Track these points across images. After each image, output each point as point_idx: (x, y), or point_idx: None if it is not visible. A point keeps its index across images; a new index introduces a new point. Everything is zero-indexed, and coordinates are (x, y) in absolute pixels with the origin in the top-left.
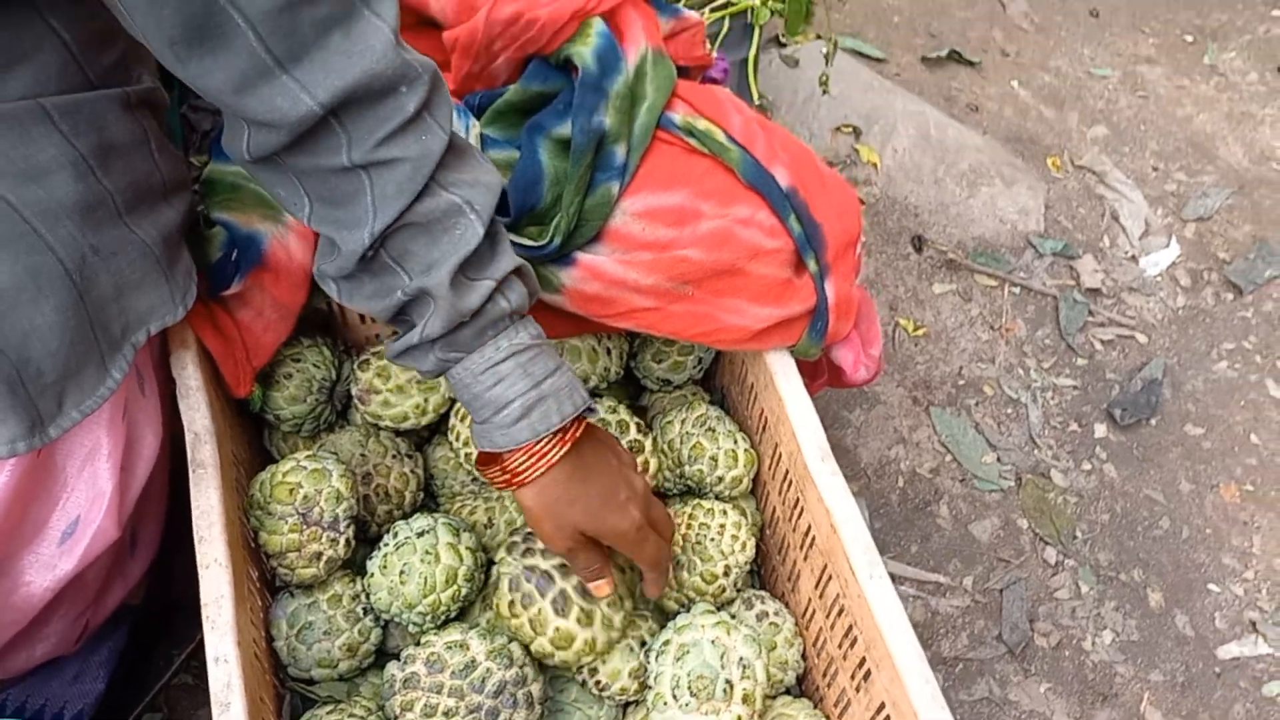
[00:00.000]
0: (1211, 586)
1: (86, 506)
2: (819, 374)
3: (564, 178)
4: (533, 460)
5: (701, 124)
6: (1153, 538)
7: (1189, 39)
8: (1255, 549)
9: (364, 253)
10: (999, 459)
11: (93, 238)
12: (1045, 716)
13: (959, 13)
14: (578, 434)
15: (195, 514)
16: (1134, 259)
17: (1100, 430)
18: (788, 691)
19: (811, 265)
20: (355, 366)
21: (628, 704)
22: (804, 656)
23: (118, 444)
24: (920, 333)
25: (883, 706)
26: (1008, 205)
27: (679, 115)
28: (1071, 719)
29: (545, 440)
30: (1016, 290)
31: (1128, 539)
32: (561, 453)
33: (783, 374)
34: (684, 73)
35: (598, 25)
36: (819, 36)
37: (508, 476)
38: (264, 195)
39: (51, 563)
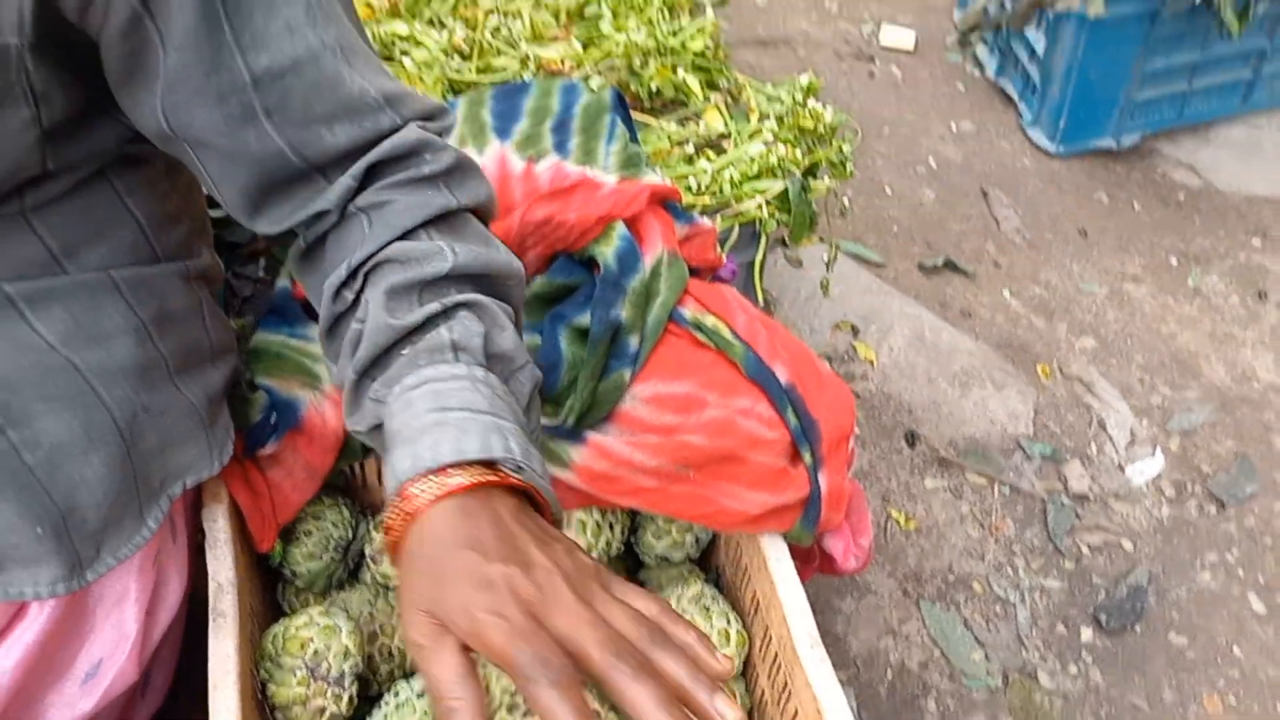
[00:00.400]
0: None
1: (111, 649)
2: (810, 560)
3: (580, 363)
4: (400, 504)
5: (709, 320)
6: None
7: (1173, 261)
8: None
9: (339, 287)
10: (987, 656)
11: (145, 397)
12: None
13: (955, 226)
14: (471, 485)
15: (212, 662)
16: (1120, 467)
17: (1086, 634)
18: None
19: (806, 457)
20: (371, 527)
21: None
22: None
23: (145, 589)
24: (912, 525)
25: None
26: (998, 408)
27: (689, 311)
28: None
29: (421, 480)
30: (1006, 490)
31: None
32: (429, 496)
33: (775, 558)
34: (696, 272)
35: (620, 229)
36: (822, 240)
37: (382, 533)
38: (304, 364)
39: (72, 702)
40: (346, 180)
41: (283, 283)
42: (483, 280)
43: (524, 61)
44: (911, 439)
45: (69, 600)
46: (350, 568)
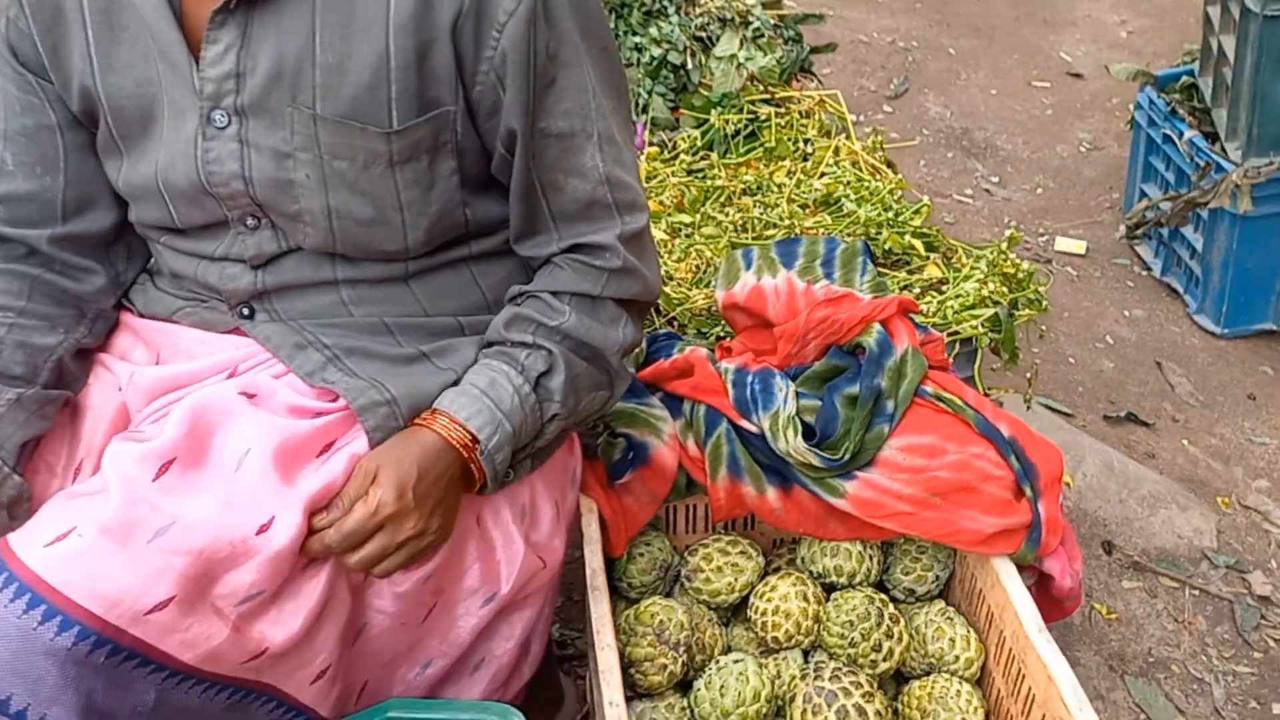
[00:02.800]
0: None
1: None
2: (1044, 590)
3: (851, 419)
4: (426, 412)
5: (946, 394)
6: None
7: None
8: None
9: (515, 295)
10: None
11: None
12: None
13: (1133, 389)
14: (448, 439)
15: (595, 617)
16: None
17: (1277, 709)
18: None
19: (1028, 491)
20: (686, 552)
21: None
22: None
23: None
24: (1113, 617)
25: None
26: (1184, 525)
27: (930, 387)
28: None
29: (439, 412)
30: (1196, 592)
31: None
32: (425, 423)
33: (1007, 574)
34: (932, 368)
35: (877, 327)
36: (1028, 394)
37: None
38: (651, 420)
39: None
40: (560, 245)
41: (630, 369)
42: (576, 342)
43: (788, 230)
44: (1108, 547)
45: None
46: (668, 588)
